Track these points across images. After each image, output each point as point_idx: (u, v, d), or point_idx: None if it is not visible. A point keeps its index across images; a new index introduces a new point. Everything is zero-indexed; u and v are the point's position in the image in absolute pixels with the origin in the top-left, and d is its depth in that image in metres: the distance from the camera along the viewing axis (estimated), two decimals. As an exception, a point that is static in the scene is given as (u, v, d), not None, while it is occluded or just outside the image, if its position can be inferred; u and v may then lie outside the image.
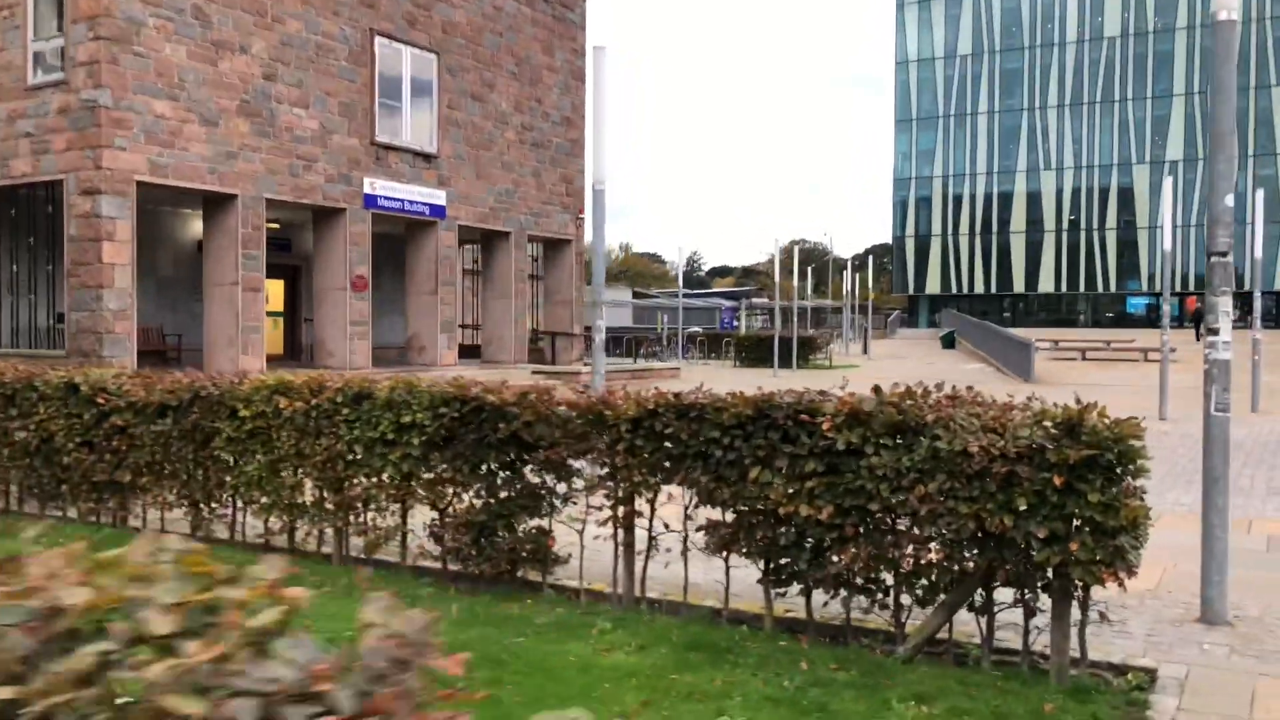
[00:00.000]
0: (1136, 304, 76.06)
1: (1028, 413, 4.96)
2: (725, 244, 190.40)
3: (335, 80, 21.43)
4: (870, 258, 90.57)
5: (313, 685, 1.20)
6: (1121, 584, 4.76)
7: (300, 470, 7.03)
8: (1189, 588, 6.17)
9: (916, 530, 5.07)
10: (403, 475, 6.59)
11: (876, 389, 5.26)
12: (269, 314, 22.15)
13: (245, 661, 1.22)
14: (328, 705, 1.21)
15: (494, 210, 25.56)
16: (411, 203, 23.25)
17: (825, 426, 5.17)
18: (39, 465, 8.37)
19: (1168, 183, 18.53)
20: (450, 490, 6.51)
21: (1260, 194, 21.39)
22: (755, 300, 66.22)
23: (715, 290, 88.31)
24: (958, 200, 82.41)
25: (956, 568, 5.04)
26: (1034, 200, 79.90)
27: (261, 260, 20.03)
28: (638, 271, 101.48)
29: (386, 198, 22.59)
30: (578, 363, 26.51)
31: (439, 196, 23.88)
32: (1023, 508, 4.71)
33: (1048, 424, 4.78)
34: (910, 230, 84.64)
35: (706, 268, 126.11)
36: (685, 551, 5.89)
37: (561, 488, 6.29)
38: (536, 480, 6.33)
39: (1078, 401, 4.83)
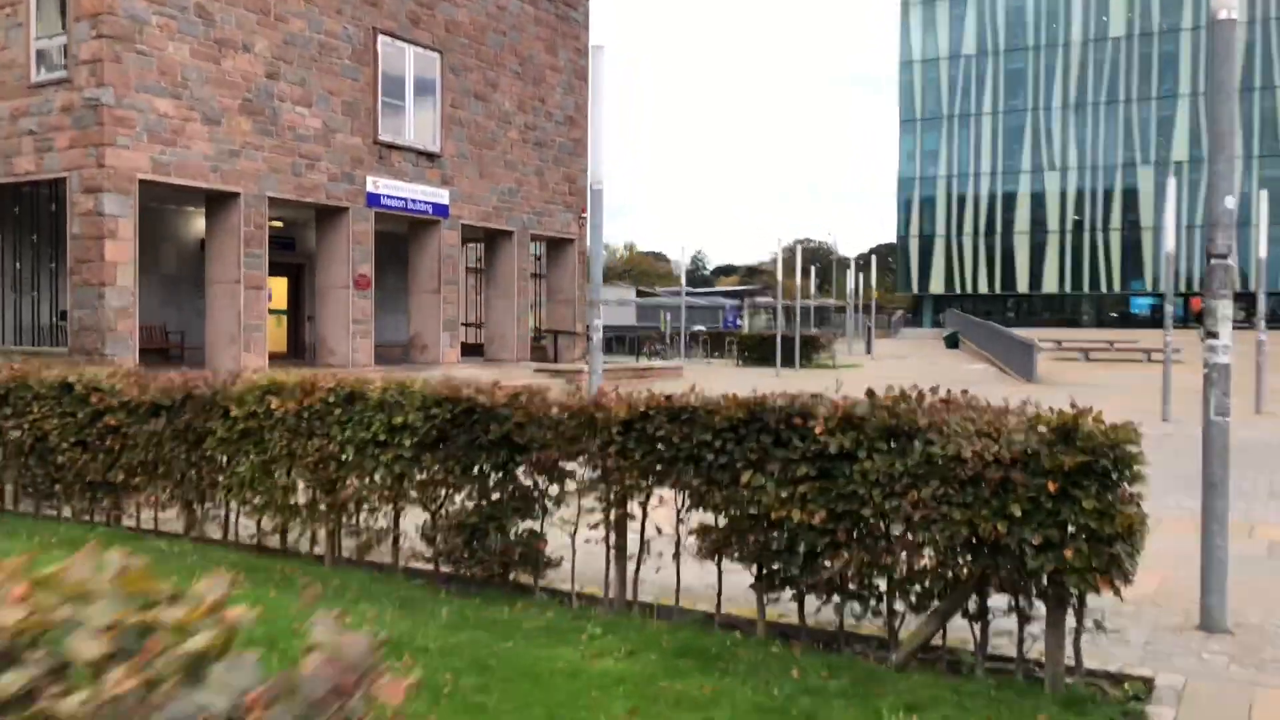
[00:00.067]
0: (1141, 304, 75.83)
1: (1022, 417, 4.90)
2: (730, 243, 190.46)
3: (338, 79, 21.41)
4: (874, 257, 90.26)
5: (244, 715, 1.15)
6: (1117, 592, 4.68)
7: (292, 471, 6.99)
8: (1189, 594, 6.06)
9: (910, 536, 5.00)
10: (395, 476, 6.54)
11: (870, 392, 5.20)
12: (272, 312, 22.15)
13: (175, 688, 1.16)
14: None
15: (497, 209, 25.52)
16: (414, 202, 23.22)
17: (818, 430, 5.12)
18: (33, 464, 8.35)
19: (1171, 183, 18.44)
20: (442, 492, 6.45)
21: (1265, 195, 21.30)
22: (760, 299, 66.08)
23: (719, 289, 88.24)
24: (962, 200, 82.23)
25: (950, 574, 4.97)
26: (1038, 200, 79.69)
27: (264, 258, 20.01)
28: (642, 270, 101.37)
29: (389, 197, 22.56)
30: (580, 361, 26.46)
31: (442, 195, 23.85)
32: (1017, 514, 4.64)
33: (1042, 429, 4.72)
34: (914, 230, 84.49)
35: (711, 267, 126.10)
36: (678, 555, 5.84)
37: (554, 490, 6.24)
38: (528, 482, 6.27)
39: (1073, 406, 4.77)
